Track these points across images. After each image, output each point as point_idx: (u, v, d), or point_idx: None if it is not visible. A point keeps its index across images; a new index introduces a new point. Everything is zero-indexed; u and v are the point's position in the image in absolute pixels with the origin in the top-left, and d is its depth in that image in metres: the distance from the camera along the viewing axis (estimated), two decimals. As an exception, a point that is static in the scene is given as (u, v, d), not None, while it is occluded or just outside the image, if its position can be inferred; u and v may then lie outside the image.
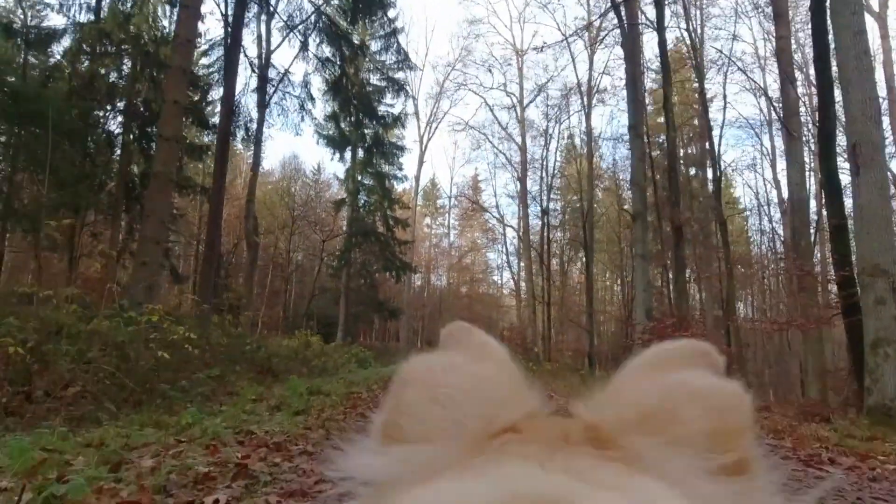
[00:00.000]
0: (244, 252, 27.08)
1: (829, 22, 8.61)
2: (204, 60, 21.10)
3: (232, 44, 13.92)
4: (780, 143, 28.83)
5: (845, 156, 10.93)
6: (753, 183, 37.39)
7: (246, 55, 16.77)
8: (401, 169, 33.94)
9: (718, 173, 18.94)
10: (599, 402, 0.45)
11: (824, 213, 20.91)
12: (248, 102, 20.01)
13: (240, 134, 19.12)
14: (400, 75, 27.64)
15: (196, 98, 17.63)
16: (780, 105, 19.50)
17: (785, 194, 27.91)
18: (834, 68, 9.50)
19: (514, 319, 44.97)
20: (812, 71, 22.78)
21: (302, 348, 16.38)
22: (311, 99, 20.74)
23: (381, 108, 28.29)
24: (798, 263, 10.78)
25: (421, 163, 39.99)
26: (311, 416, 5.24)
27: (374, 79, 28.63)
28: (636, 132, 14.72)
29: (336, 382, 10.96)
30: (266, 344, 13.83)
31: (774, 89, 25.15)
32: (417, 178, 40.82)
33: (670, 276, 23.29)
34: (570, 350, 33.64)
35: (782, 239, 27.78)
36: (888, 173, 8.45)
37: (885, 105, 19.68)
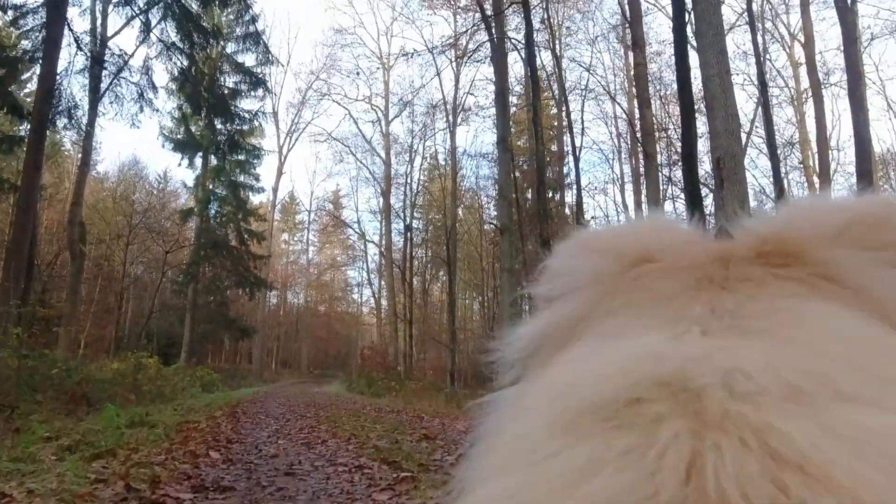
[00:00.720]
0: (69, 264, 23.64)
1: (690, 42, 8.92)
2: (25, 44, 18.09)
3: (53, 11, 11.81)
4: (628, 168, 31.02)
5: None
6: (604, 206, 39.73)
7: (71, 29, 14.44)
8: (258, 180, 31.97)
9: (580, 192, 19.61)
10: (777, 218, 0.39)
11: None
12: (75, 86, 17.38)
13: (61, 122, 16.45)
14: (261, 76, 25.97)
15: (2, 73, 14.89)
16: (627, 132, 20.67)
17: (633, 216, 29.99)
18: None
19: (375, 338, 43.97)
20: (659, 102, 24.71)
21: (132, 371, 14.16)
22: (154, 88, 18.51)
23: (239, 111, 26.36)
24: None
25: (280, 174, 38.03)
26: (115, 460, 3.97)
27: (231, 81, 26.68)
28: (504, 146, 14.64)
29: (169, 411, 9.35)
30: (84, 367, 11.66)
31: (624, 119, 26.98)
32: (275, 191, 38.74)
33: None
34: (431, 368, 33.30)
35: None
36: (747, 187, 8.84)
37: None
